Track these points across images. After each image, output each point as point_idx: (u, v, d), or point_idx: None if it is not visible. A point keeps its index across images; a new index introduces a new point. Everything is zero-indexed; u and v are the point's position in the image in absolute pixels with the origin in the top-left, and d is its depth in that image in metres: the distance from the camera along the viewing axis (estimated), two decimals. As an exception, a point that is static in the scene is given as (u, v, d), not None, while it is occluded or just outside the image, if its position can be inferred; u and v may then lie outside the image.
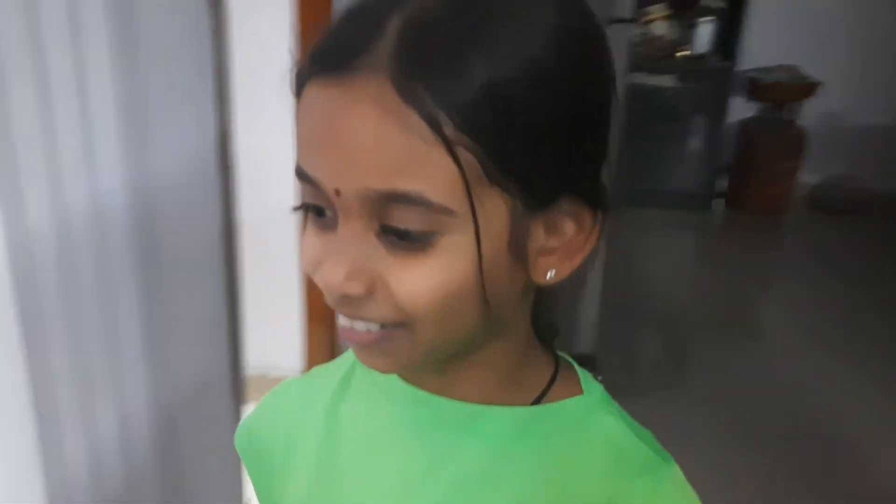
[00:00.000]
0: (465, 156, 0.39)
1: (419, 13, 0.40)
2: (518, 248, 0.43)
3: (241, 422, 0.65)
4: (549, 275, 0.45)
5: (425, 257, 0.41)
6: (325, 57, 0.41)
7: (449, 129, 0.39)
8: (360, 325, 0.45)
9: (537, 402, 0.50)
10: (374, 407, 0.54)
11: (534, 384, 0.51)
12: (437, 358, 0.48)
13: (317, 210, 0.44)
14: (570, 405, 0.51)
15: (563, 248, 0.45)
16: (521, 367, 0.51)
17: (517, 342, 0.51)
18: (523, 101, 0.40)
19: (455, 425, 0.50)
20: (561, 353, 0.54)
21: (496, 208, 0.41)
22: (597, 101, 0.45)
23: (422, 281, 0.42)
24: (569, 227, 0.45)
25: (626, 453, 0.49)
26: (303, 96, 0.43)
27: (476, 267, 0.42)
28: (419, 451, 0.51)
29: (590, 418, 0.50)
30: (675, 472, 0.49)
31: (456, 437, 0.50)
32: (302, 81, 0.43)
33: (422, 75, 0.39)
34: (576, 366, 0.54)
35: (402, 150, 0.39)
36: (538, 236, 0.44)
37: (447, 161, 0.39)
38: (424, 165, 0.39)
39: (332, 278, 0.42)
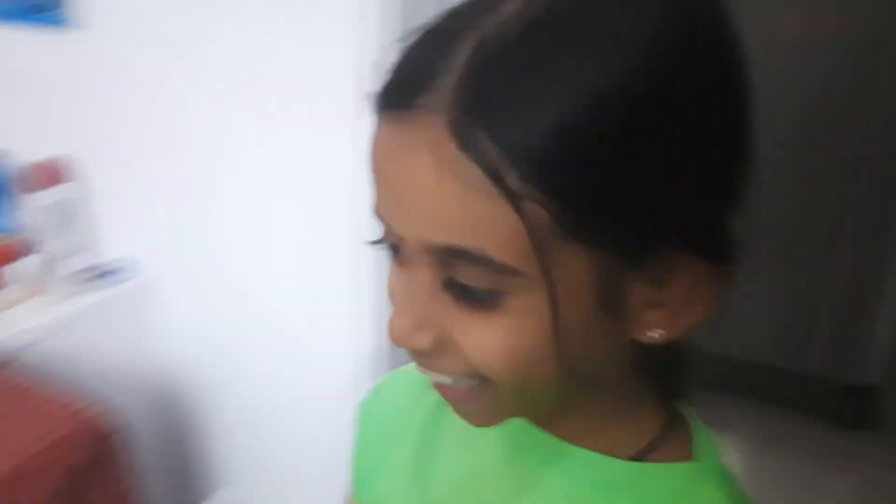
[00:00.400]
0: (534, 209, 0.34)
1: (493, 38, 0.34)
2: (612, 306, 0.37)
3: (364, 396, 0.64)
4: (654, 335, 0.39)
5: (493, 316, 0.37)
6: (388, 90, 0.37)
7: (513, 181, 0.33)
8: (445, 380, 0.41)
9: (637, 458, 0.44)
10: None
11: (635, 439, 0.45)
12: (528, 412, 0.45)
13: (393, 247, 0.41)
14: (672, 470, 0.45)
15: (671, 304, 0.38)
16: (619, 418, 0.46)
17: (614, 394, 0.45)
18: (609, 144, 0.33)
19: (542, 456, 0.47)
20: (690, 415, 0.47)
21: (577, 265, 0.35)
22: (717, 132, 0.36)
23: (490, 341, 0.37)
24: (678, 281, 0.37)
25: None
26: (374, 127, 0.39)
27: (553, 330, 0.36)
28: (507, 472, 0.48)
29: (693, 490, 0.44)
30: None
31: (542, 467, 0.47)
32: (374, 110, 0.39)
33: (483, 117, 0.33)
34: (700, 429, 0.47)
35: (461, 203, 0.34)
36: (639, 291, 0.37)
37: (512, 216, 0.34)
38: (486, 221, 0.34)
39: (399, 331, 0.39)
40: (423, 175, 0.35)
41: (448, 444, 0.53)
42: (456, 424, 0.48)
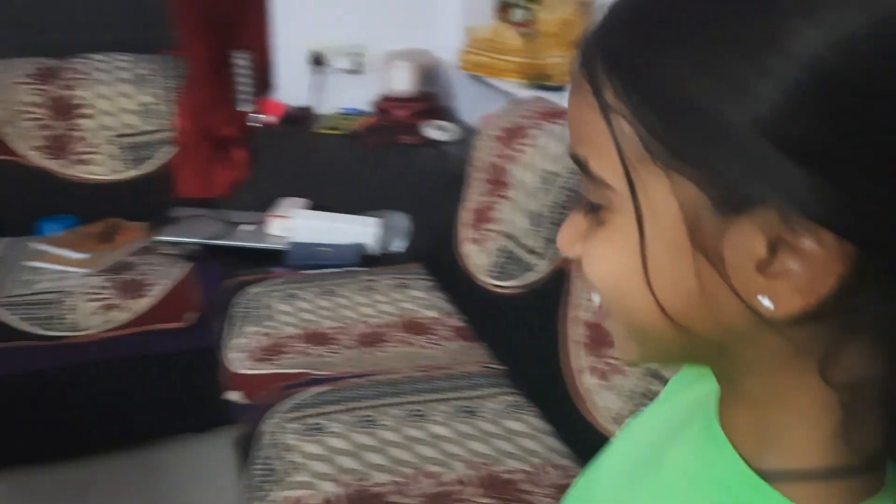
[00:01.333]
0: (624, 127, 0.35)
1: None
2: (704, 250, 0.34)
3: None
4: (764, 302, 0.34)
5: (600, 232, 0.39)
6: None
7: (609, 95, 0.35)
8: (594, 296, 0.42)
9: (770, 477, 0.37)
10: None
11: (802, 454, 0.36)
12: (657, 357, 0.43)
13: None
14: None
15: (783, 272, 0.33)
16: (785, 420, 0.37)
17: (782, 387, 0.37)
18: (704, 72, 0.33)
19: (696, 432, 0.43)
20: None
21: (663, 192, 0.34)
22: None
23: (591, 255, 0.40)
24: (796, 246, 0.32)
25: None
26: None
27: (640, 254, 0.36)
28: (664, 431, 0.48)
29: None
30: None
31: (686, 445, 0.43)
32: None
33: (601, 37, 0.37)
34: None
35: (578, 115, 0.38)
36: (741, 244, 0.33)
37: (607, 131, 0.36)
38: (591, 133, 0.37)
39: (560, 239, 0.43)
40: (569, 95, 0.39)
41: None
42: None
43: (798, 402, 0.36)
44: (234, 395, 1.56)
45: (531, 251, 1.62)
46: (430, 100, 2.45)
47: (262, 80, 2.43)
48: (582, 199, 0.40)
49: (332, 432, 1.38)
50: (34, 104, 2.14)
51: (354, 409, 1.44)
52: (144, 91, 2.23)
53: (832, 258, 0.32)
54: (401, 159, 2.28)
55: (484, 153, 1.88)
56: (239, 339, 1.69)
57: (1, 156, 2.12)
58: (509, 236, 1.71)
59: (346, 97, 2.52)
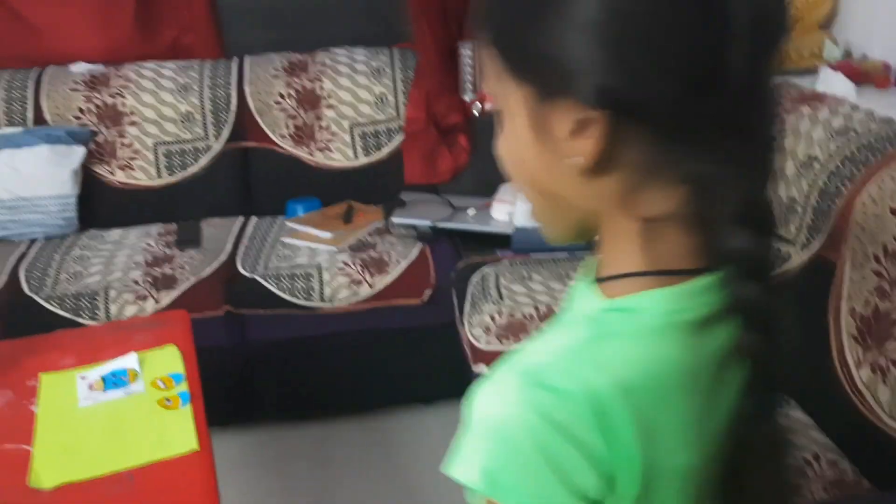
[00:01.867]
0: (496, 60, 0.53)
1: None
2: (539, 131, 0.52)
3: None
4: (576, 159, 0.51)
5: (500, 133, 0.56)
6: None
7: (482, 32, 0.54)
8: None
9: (599, 279, 0.56)
10: None
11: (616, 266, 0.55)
12: (563, 231, 0.58)
13: None
14: (590, 299, 0.56)
15: (588, 136, 0.50)
16: (621, 248, 0.55)
17: (611, 227, 0.55)
18: (523, 18, 0.51)
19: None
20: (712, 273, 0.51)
21: (516, 95, 0.52)
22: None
23: (498, 150, 0.57)
24: (591, 120, 0.49)
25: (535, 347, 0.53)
26: None
27: (515, 142, 0.54)
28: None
29: (589, 314, 0.54)
30: (506, 378, 0.50)
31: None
32: None
33: (481, 9, 0.55)
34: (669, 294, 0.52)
35: (481, 58, 0.56)
36: (560, 123, 0.50)
37: (489, 64, 0.54)
38: (486, 67, 0.55)
39: (496, 150, 0.58)
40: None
41: None
42: None
43: (618, 232, 0.54)
44: (481, 368, 1.65)
45: (783, 240, 1.57)
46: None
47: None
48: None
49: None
50: (285, 95, 2.36)
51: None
52: (379, 83, 2.38)
53: (603, 122, 0.49)
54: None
55: (875, 235, 1.82)
56: (479, 315, 1.78)
57: (258, 143, 2.36)
58: None
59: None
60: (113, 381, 1.28)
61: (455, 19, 2.42)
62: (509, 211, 2.17)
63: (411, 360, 2.08)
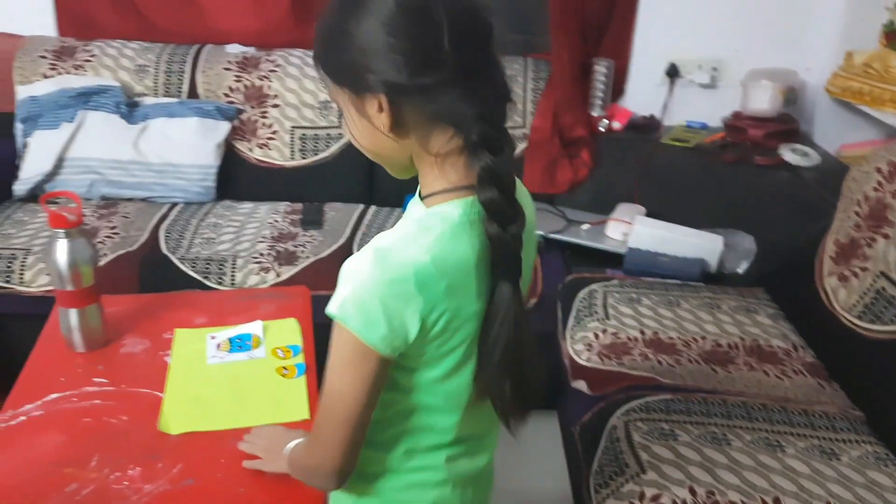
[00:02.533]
0: (321, 74, 0.83)
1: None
2: (362, 115, 0.81)
3: None
4: (382, 128, 0.79)
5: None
6: None
7: (315, 62, 0.84)
8: None
9: (423, 197, 0.84)
10: None
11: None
12: (399, 172, 0.87)
13: None
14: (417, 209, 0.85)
15: (384, 111, 0.78)
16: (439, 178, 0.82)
17: (420, 163, 0.83)
18: (325, 48, 0.82)
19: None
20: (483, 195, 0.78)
21: (343, 97, 0.81)
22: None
23: (348, 134, 0.86)
24: (382, 102, 0.78)
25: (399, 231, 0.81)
26: None
27: (351, 126, 0.84)
28: None
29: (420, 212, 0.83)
30: (371, 253, 0.77)
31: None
32: None
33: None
34: (470, 202, 0.80)
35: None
36: (369, 108, 0.79)
37: (324, 79, 0.83)
38: (321, 78, 0.85)
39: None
40: None
41: None
42: None
43: (425, 166, 0.82)
44: (580, 384, 1.66)
45: None
46: (787, 122, 2.35)
47: (616, 87, 2.52)
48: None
49: (682, 441, 1.41)
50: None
51: (704, 423, 1.46)
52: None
53: (387, 101, 0.77)
54: (750, 179, 2.23)
55: (860, 185, 1.77)
56: (582, 331, 1.79)
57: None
58: (884, 276, 1.60)
59: (695, 110, 2.52)
60: (238, 344, 1.38)
61: (593, 35, 2.43)
62: (624, 231, 2.16)
63: (508, 365, 2.10)
